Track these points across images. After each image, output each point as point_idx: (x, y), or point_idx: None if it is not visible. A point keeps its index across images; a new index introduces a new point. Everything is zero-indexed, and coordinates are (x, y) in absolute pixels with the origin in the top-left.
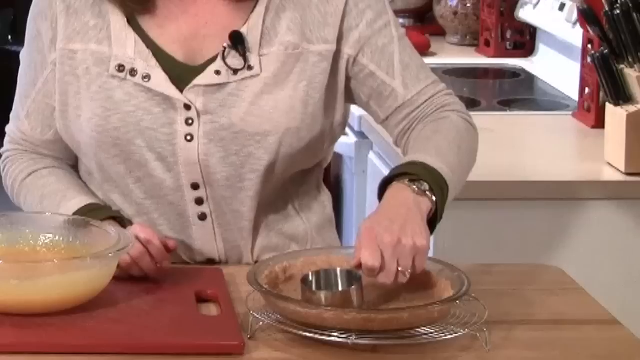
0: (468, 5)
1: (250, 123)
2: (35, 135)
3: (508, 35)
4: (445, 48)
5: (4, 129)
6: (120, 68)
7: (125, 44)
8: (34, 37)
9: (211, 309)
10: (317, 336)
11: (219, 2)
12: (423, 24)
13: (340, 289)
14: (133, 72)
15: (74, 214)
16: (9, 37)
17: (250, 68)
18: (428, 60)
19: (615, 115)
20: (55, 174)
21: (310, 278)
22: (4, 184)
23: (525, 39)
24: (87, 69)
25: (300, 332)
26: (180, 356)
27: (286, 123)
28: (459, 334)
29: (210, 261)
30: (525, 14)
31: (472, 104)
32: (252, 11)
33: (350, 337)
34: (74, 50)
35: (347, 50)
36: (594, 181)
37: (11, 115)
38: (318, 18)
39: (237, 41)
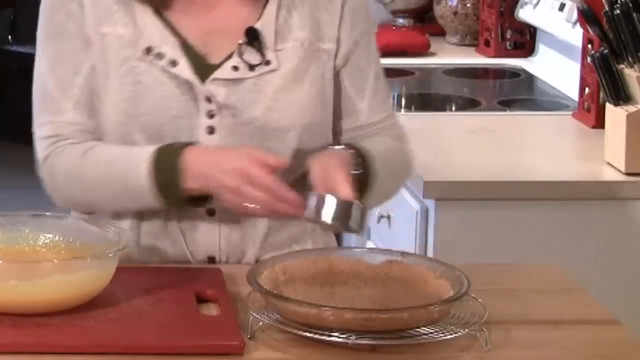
0: (468, 5)
1: (271, 118)
2: (88, 122)
3: (508, 35)
4: (445, 48)
5: (3, 129)
6: (148, 51)
7: (152, 29)
8: (61, 24)
9: (211, 309)
10: (317, 336)
11: None
12: (423, 24)
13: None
14: (160, 56)
15: (154, 152)
16: (9, 37)
17: (268, 63)
18: (428, 60)
19: (615, 115)
20: (110, 144)
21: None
22: (53, 180)
23: (525, 39)
24: (115, 52)
25: (300, 332)
26: (180, 356)
27: (306, 118)
28: (459, 334)
29: (211, 260)
30: (525, 14)
31: (472, 104)
32: (265, 7)
33: (350, 337)
34: (102, 34)
35: (337, 59)
36: (594, 181)
37: (41, 121)
38: (325, 16)
39: (253, 37)
